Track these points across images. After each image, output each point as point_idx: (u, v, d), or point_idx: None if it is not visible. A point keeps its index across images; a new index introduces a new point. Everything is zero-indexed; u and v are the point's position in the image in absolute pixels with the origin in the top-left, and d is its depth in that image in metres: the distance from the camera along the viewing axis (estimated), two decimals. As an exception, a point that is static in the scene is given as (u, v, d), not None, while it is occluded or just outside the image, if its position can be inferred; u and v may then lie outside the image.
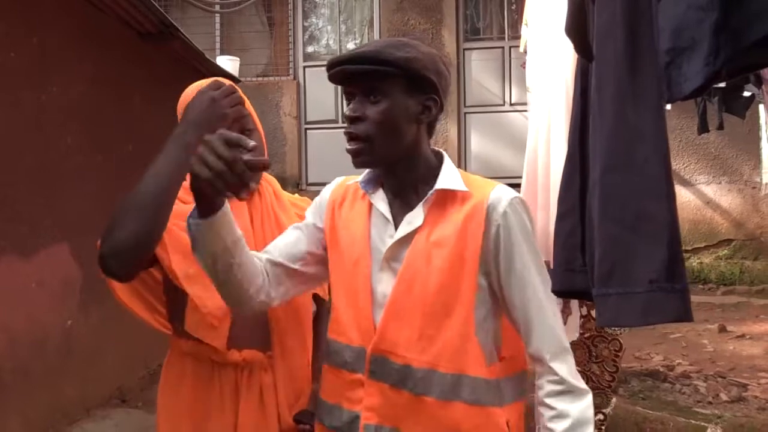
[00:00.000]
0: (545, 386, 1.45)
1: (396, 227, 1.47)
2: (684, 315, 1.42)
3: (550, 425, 1.43)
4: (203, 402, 1.67)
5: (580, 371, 2.66)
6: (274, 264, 1.54)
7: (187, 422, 1.69)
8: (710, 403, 4.34)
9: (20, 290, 3.74)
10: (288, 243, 1.57)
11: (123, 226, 1.50)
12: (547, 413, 1.44)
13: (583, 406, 1.45)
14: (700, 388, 4.61)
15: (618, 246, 1.45)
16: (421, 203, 1.45)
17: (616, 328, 2.75)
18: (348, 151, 1.49)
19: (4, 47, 3.63)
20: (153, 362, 4.98)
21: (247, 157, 1.24)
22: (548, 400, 1.44)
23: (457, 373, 1.40)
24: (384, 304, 1.44)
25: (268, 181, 1.82)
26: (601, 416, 2.84)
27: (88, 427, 4.05)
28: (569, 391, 1.44)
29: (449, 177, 1.47)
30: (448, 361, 1.40)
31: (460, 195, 1.44)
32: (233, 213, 1.64)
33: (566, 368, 1.45)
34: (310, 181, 9.16)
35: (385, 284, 1.45)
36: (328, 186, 1.64)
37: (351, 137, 1.47)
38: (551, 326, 1.44)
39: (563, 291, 1.86)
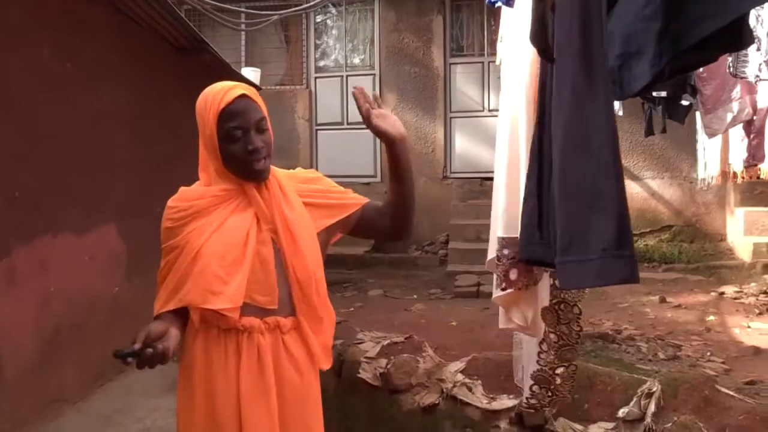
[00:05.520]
0: None
1: None
2: (631, 277, 1.42)
3: None
4: (210, 360, 1.67)
5: (551, 332, 2.69)
6: None
7: (198, 377, 1.69)
8: (650, 360, 4.37)
9: (76, 262, 3.76)
10: None
11: None
12: None
13: None
14: (642, 349, 4.63)
15: (575, 221, 1.46)
16: None
17: (575, 297, 2.76)
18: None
19: (61, 59, 3.62)
20: (187, 323, 4.99)
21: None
22: None
23: None
24: None
25: (276, 176, 1.74)
26: (573, 367, 2.87)
27: (131, 377, 4.07)
28: None
29: None
30: None
31: None
32: (241, 218, 1.67)
33: None
34: (319, 173, 9.15)
35: None
36: None
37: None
38: None
39: (526, 259, 1.86)
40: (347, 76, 9.56)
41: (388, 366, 3.77)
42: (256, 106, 1.67)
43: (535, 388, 2.96)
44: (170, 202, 1.72)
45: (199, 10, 6.63)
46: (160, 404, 3.48)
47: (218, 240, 1.63)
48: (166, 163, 4.84)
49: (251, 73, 7.54)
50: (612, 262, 1.41)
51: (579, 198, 1.45)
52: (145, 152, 4.57)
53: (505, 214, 2.63)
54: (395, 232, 1.86)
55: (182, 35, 4.82)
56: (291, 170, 1.86)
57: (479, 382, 3.64)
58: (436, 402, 3.59)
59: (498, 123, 3.00)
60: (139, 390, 3.78)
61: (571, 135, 1.48)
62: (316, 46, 9.76)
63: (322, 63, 9.77)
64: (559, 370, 2.87)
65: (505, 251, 2.62)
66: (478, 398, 3.50)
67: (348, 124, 9.46)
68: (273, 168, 1.74)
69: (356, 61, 9.71)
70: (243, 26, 8.05)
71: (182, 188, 1.75)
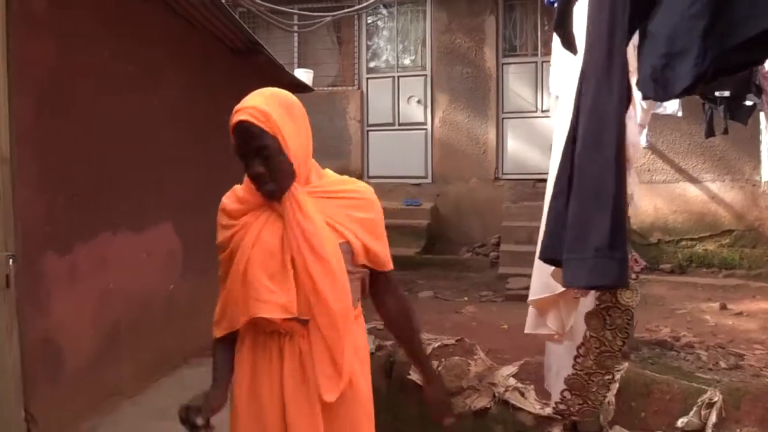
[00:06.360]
0: None
1: None
2: (619, 281, 1.40)
3: None
4: (255, 365, 1.71)
5: (594, 337, 2.63)
6: None
7: (247, 379, 1.72)
8: (710, 369, 4.22)
9: (133, 260, 3.84)
10: None
11: None
12: None
13: None
14: (702, 357, 4.48)
15: (581, 217, 1.44)
16: None
17: (630, 302, 2.68)
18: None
19: (124, 60, 3.71)
20: (239, 321, 5.05)
21: None
22: None
23: None
24: None
25: (295, 195, 1.68)
26: (610, 376, 2.79)
27: (185, 373, 4.15)
28: None
29: None
30: None
31: None
32: (276, 227, 1.67)
33: None
34: (370, 174, 9.16)
35: None
36: None
37: None
38: None
39: (547, 259, 1.82)
40: (398, 76, 9.56)
41: (439, 368, 3.75)
42: (257, 133, 1.62)
43: (566, 393, 2.89)
44: (224, 199, 1.78)
45: (253, 12, 6.73)
46: (213, 400, 3.53)
47: (260, 250, 1.66)
48: (220, 163, 4.92)
49: (304, 75, 7.60)
50: (602, 263, 1.39)
51: (587, 193, 1.44)
52: (200, 152, 4.65)
53: None
54: (376, 306, 1.90)
55: (237, 37, 4.89)
56: (342, 178, 1.82)
57: (532, 387, 3.60)
58: (488, 406, 3.56)
59: (556, 124, 2.94)
60: (193, 386, 3.83)
61: (588, 129, 1.47)
62: (368, 47, 9.80)
63: (373, 64, 9.80)
64: (596, 378, 2.80)
65: None
66: (531, 403, 3.46)
67: (399, 125, 9.46)
68: (295, 191, 1.69)
69: (407, 62, 9.70)
70: (296, 28, 8.13)
71: (236, 186, 1.79)
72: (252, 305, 1.63)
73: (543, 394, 3.50)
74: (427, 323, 5.05)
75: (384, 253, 1.80)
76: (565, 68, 2.85)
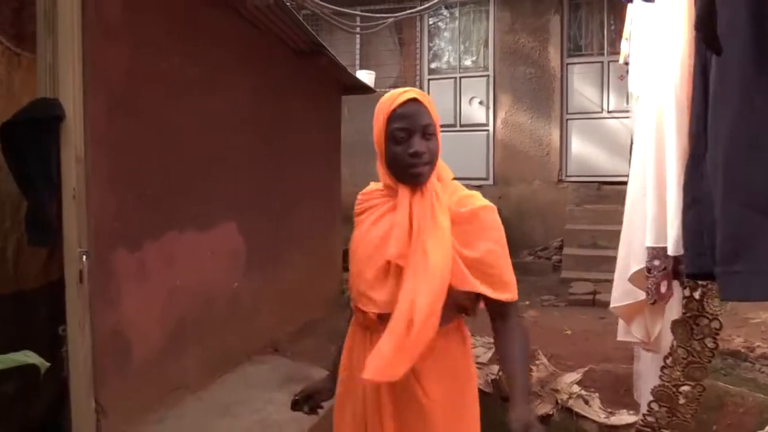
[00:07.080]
0: None
1: None
2: None
3: None
4: (354, 355, 1.78)
5: (681, 347, 2.52)
6: None
7: (347, 365, 1.81)
8: (788, 382, 4.02)
9: (198, 258, 3.93)
10: None
11: None
12: None
13: None
14: (779, 369, 4.28)
15: (746, 226, 1.32)
16: None
17: (716, 310, 2.55)
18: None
19: (191, 63, 3.80)
20: (301, 320, 5.11)
21: None
22: None
23: None
24: None
25: (434, 188, 1.68)
26: (700, 388, 2.67)
27: (248, 369, 4.21)
28: None
29: None
30: None
31: None
32: (399, 207, 1.67)
33: None
34: (431, 175, 9.17)
35: None
36: None
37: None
38: None
39: (695, 273, 1.73)
40: (460, 77, 9.51)
41: (500, 372, 3.69)
42: (425, 112, 1.68)
43: (654, 405, 2.77)
44: (359, 194, 1.86)
45: (316, 14, 6.80)
46: (274, 398, 3.57)
47: (369, 242, 1.71)
48: (283, 163, 4.99)
49: (366, 76, 7.64)
50: None
51: (749, 201, 1.31)
52: (264, 152, 4.72)
53: (654, 223, 2.45)
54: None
55: (301, 39, 4.94)
56: (461, 197, 1.73)
57: (596, 395, 3.51)
58: (551, 413, 3.49)
59: (637, 128, 2.82)
60: (256, 383, 3.90)
61: (739, 131, 1.34)
62: (429, 48, 9.79)
63: (434, 65, 9.78)
64: (684, 389, 2.67)
65: (656, 262, 2.45)
66: (596, 412, 3.37)
67: (461, 126, 9.40)
68: (435, 180, 1.70)
69: (468, 63, 9.64)
70: (358, 29, 8.18)
71: (372, 183, 1.85)
72: (357, 297, 1.72)
73: (608, 403, 3.41)
74: (488, 326, 4.98)
75: (503, 280, 1.75)
76: (647, 67, 2.73)
